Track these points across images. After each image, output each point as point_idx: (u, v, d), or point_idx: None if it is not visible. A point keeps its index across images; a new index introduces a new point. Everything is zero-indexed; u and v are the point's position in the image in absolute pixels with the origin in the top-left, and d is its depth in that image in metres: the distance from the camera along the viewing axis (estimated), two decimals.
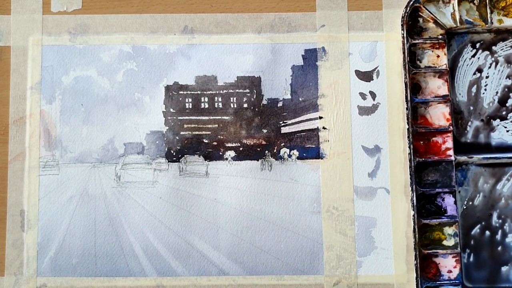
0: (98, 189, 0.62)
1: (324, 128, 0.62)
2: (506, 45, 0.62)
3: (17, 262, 0.60)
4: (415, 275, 0.58)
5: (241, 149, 0.62)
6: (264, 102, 0.63)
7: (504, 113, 0.62)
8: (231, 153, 0.62)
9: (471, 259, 0.60)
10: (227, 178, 0.62)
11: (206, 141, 0.63)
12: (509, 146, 0.61)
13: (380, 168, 0.61)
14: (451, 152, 0.60)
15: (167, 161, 0.62)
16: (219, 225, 0.61)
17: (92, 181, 0.62)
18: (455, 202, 0.59)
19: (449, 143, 0.60)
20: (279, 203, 0.61)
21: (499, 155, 0.60)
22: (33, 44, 0.63)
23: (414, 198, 0.58)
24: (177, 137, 0.63)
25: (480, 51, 0.62)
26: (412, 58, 0.61)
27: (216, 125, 0.63)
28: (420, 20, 0.61)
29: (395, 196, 0.61)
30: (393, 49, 0.62)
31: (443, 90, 0.61)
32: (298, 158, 0.62)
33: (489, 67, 0.62)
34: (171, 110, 0.63)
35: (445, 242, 0.59)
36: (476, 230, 0.60)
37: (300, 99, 0.63)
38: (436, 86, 0.61)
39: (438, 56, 0.61)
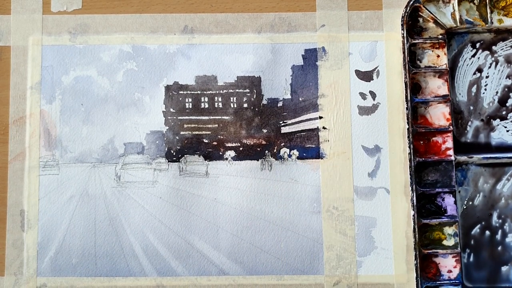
0: (98, 189, 0.62)
1: (324, 128, 0.62)
2: (506, 45, 0.62)
3: (17, 262, 0.60)
4: (415, 275, 0.58)
5: (241, 149, 0.62)
6: (264, 102, 0.63)
7: (504, 113, 0.62)
8: (231, 153, 0.62)
9: (471, 259, 0.60)
10: (227, 178, 0.62)
11: (206, 141, 0.63)
12: (509, 146, 0.61)
13: (380, 168, 0.61)
14: (451, 152, 0.60)
15: (167, 161, 0.62)
16: (219, 225, 0.61)
17: (92, 181, 0.62)
18: (455, 202, 0.59)
19: (449, 143, 0.60)
20: (279, 203, 0.61)
21: (499, 155, 0.60)
22: (33, 44, 0.63)
23: (414, 198, 0.58)
24: (177, 137, 0.63)
25: (480, 51, 0.62)
26: (412, 58, 0.61)
27: (216, 125, 0.63)
28: (420, 20, 0.61)
29: (395, 196, 0.61)
30: (393, 49, 0.62)
31: (443, 90, 0.60)
32: (298, 158, 0.62)
33: (489, 67, 0.62)
34: (171, 110, 0.63)
35: (445, 242, 0.59)
36: (476, 230, 0.60)
37: (300, 99, 0.63)
38: (436, 86, 0.61)
39: (438, 56, 0.61)
